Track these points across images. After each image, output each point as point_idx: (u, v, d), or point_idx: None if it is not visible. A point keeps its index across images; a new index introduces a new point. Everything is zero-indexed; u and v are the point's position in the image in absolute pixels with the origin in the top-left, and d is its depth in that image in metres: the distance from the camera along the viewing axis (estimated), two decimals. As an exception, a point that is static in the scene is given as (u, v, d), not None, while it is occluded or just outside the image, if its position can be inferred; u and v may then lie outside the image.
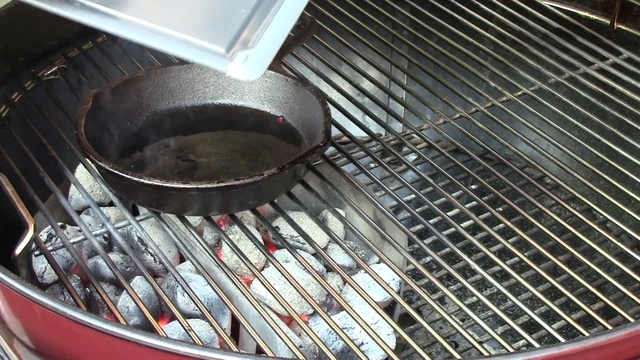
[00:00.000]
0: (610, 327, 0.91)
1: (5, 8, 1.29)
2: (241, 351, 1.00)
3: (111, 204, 1.29)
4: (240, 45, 1.00)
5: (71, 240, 1.09)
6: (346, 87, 1.32)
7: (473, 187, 1.18)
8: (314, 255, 1.21)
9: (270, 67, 1.16)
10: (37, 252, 1.15)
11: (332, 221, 1.27)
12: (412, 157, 1.46)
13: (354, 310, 0.95)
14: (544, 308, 0.97)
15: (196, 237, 1.05)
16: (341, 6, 1.45)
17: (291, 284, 1.00)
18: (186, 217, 1.07)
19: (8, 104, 1.27)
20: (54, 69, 1.31)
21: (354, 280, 0.99)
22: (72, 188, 1.29)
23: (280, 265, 1.01)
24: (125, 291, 1.11)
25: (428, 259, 1.17)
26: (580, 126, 1.22)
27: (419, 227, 1.12)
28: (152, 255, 1.20)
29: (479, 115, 1.27)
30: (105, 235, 1.22)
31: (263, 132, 1.16)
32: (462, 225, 1.06)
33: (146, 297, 1.14)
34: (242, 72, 0.97)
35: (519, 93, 1.29)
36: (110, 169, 1.02)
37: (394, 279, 1.16)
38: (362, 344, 1.08)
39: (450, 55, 1.36)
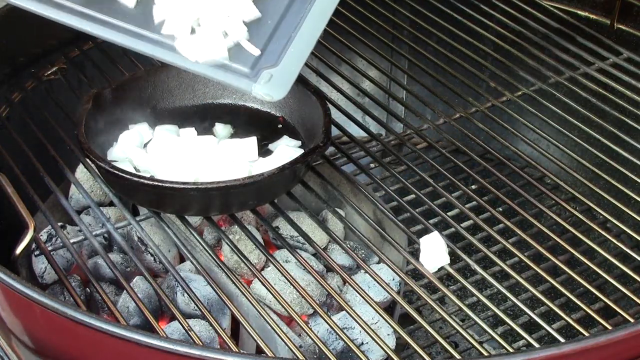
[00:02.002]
0: (610, 327, 0.91)
1: (5, 8, 1.29)
2: (241, 351, 1.00)
3: (111, 204, 1.29)
4: (264, 63, 1.01)
5: (71, 240, 1.09)
6: (346, 87, 1.32)
7: (473, 187, 1.18)
8: (314, 255, 1.22)
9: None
10: (37, 252, 1.15)
11: (332, 221, 1.27)
12: (412, 157, 1.46)
13: (354, 310, 0.95)
14: (544, 308, 0.97)
15: (196, 237, 1.05)
16: (341, 6, 1.45)
17: (291, 284, 1.00)
18: (186, 217, 1.07)
19: (8, 104, 1.27)
20: (54, 69, 1.31)
21: (354, 280, 0.99)
22: (72, 188, 1.29)
23: (280, 265, 1.01)
24: (125, 291, 1.11)
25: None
26: (580, 126, 1.22)
27: (419, 227, 1.12)
28: (152, 255, 1.20)
29: (479, 115, 1.27)
30: (105, 235, 1.22)
31: (263, 132, 1.16)
32: (462, 225, 1.06)
33: (146, 297, 1.14)
34: (265, 91, 0.98)
35: (519, 93, 1.29)
36: (110, 169, 1.02)
37: (394, 279, 1.16)
38: (362, 344, 1.08)
39: (450, 55, 1.36)
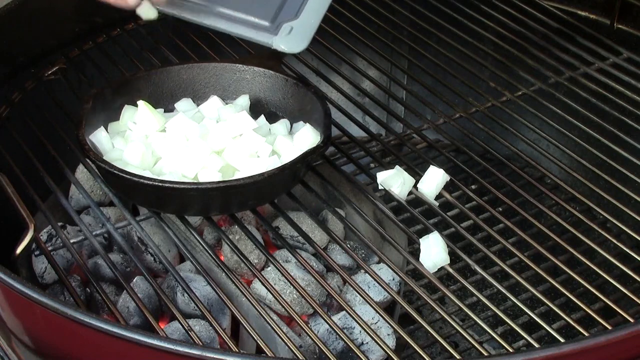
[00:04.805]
0: (610, 327, 0.91)
1: (5, 8, 1.29)
2: (241, 351, 1.00)
3: (111, 204, 1.29)
4: (283, 17, 1.00)
5: (71, 240, 1.09)
6: (346, 87, 1.32)
7: (473, 187, 1.18)
8: (314, 255, 1.22)
9: (270, 67, 1.16)
10: (37, 252, 1.15)
11: (332, 221, 1.27)
12: (412, 157, 1.46)
13: (354, 310, 0.95)
14: (544, 308, 0.97)
15: (196, 237, 1.05)
16: (341, 6, 1.45)
17: (291, 284, 1.00)
18: (186, 217, 1.07)
19: (8, 104, 1.27)
20: (54, 69, 1.31)
21: (354, 280, 0.99)
22: (72, 188, 1.29)
23: (281, 265, 1.01)
24: (125, 291, 1.11)
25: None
26: (580, 126, 1.22)
27: (419, 227, 1.12)
28: (152, 255, 1.20)
29: (479, 115, 1.27)
30: (105, 235, 1.22)
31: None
32: (462, 225, 1.06)
33: (146, 297, 1.14)
34: (286, 44, 0.97)
35: (519, 93, 1.29)
36: (110, 169, 1.02)
37: (394, 279, 1.16)
38: (362, 344, 1.08)
39: (450, 55, 1.36)
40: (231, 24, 1.01)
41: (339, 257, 1.23)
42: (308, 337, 0.93)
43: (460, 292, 1.15)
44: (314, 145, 1.06)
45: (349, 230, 1.09)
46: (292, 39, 0.99)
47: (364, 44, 1.39)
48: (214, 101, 1.14)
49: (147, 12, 1.04)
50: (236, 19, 1.02)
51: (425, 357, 0.89)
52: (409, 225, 1.10)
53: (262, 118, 1.12)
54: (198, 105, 1.16)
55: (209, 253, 1.04)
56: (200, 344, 0.93)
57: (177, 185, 1.01)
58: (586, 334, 0.90)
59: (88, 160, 1.09)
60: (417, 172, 1.13)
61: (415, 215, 1.08)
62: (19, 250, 0.98)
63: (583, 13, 1.46)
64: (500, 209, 1.11)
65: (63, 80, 1.31)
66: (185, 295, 1.11)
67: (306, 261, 1.03)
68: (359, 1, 1.47)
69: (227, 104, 1.16)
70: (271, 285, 0.98)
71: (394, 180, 1.09)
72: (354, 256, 1.02)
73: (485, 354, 0.91)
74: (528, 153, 1.19)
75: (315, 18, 1.01)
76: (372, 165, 1.30)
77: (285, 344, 0.91)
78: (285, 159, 1.06)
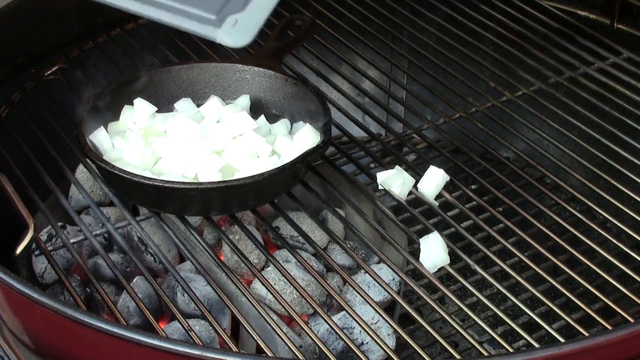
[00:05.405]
0: (610, 327, 0.91)
1: (5, 8, 1.29)
2: (241, 351, 1.00)
3: (111, 204, 1.29)
4: (229, 10, 0.99)
5: (71, 240, 1.09)
6: (346, 87, 1.32)
7: (473, 187, 1.18)
8: (314, 255, 1.22)
9: (270, 67, 1.16)
10: (37, 252, 1.15)
11: (332, 221, 1.27)
12: (412, 157, 1.46)
13: (354, 310, 0.95)
14: (544, 308, 0.97)
15: (196, 237, 1.05)
16: (341, 6, 1.45)
17: (291, 284, 1.00)
18: (186, 217, 1.07)
19: (8, 104, 1.27)
20: (54, 68, 1.31)
21: (354, 280, 0.99)
22: (72, 188, 1.29)
23: (281, 265, 1.01)
24: (125, 291, 1.11)
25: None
26: (580, 126, 1.22)
27: (419, 227, 1.12)
28: (152, 255, 1.20)
29: (479, 115, 1.27)
30: (105, 235, 1.22)
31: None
32: (462, 225, 1.06)
33: (146, 297, 1.14)
34: (230, 37, 0.95)
35: (519, 93, 1.29)
36: (111, 169, 1.02)
37: (394, 279, 1.16)
38: (362, 344, 1.08)
39: (450, 55, 1.36)
40: (174, 15, 0.99)
41: (339, 257, 1.23)
42: (308, 337, 0.93)
43: (460, 292, 1.15)
44: (314, 145, 1.06)
45: (349, 230, 1.09)
46: (236, 31, 0.97)
47: (364, 44, 1.39)
48: (214, 101, 1.14)
49: None
50: (179, 10, 0.99)
51: (425, 357, 0.89)
52: (409, 225, 1.10)
53: (262, 118, 1.12)
54: (198, 106, 1.16)
55: (209, 253, 1.04)
56: (200, 344, 0.93)
57: (177, 185, 1.01)
58: (586, 334, 0.90)
59: (88, 160, 1.09)
60: (417, 172, 1.13)
61: (415, 215, 1.08)
62: (19, 250, 0.98)
63: (583, 13, 1.46)
64: (500, 209, 1.11)
65: (63, 80, 1.31)
66: (185, 295, 1.11)
67: (306, 261, 1.03)
68: (359, 1, 1.47)
69: (227, 104, 1.16)
70: (271, 285, 0.98)
71: (394, 180, 1.09)
72: (354, 256, 1.02)
73: (485, 354, 0.91)
74: (528, 153, 1.19)
75: (263, 12, 0.99)
76: (372, 165, 1.30)
77: (285, 344, 0.91)
78: (285, 159, 1.06)
